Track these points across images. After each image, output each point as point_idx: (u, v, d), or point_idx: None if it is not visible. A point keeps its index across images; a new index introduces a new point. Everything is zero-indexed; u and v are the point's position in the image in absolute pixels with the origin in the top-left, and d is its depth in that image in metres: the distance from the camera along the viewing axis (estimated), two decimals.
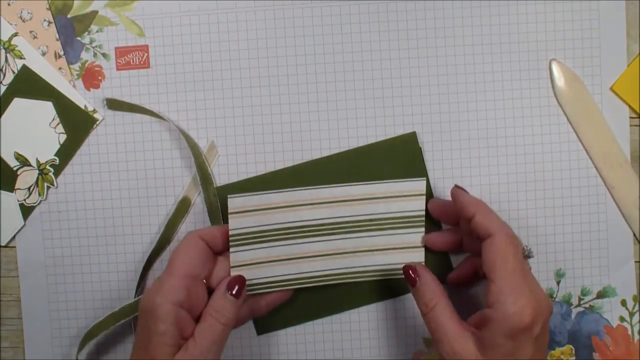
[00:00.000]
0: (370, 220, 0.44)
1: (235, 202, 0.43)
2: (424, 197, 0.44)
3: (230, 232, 0.43)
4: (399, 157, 0.47)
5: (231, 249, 0.43)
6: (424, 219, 0.44)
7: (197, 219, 0.48)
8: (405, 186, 0.43)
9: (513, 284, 0.38)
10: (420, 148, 0.47)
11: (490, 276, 0.39)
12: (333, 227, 0.44)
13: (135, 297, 0.47)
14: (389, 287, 0.47)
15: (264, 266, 0.44)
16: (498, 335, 0.37)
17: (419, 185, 0.43)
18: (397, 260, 0.44)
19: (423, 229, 0.44)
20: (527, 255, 0.42)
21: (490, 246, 0.39)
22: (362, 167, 0.47)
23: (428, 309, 0.40)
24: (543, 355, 0.39)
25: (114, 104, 0.47)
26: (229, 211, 0.43)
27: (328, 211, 0.43)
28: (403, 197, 0.43)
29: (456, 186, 0.44)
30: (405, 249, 0.44)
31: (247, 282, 0.43)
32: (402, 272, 0.43)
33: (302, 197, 0.43)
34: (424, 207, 0.44)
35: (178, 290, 0.40)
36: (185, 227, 0.48)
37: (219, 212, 0.47)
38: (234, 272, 0.43)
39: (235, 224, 0.43)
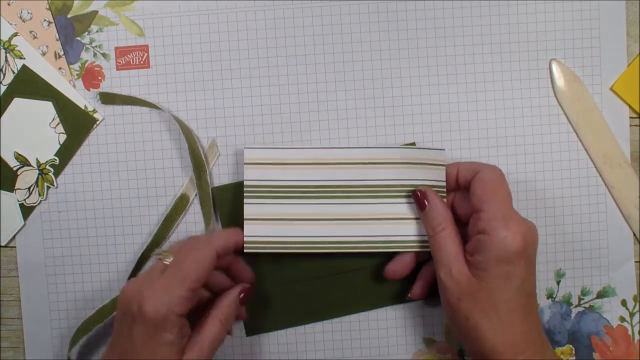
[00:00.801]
0: (389, 186, 0.44)
1: (251, 153, 0.42)
2: (445, 167, 0.44)
3: (245, 183, 0.43)
4: None
5: (245, 201, 0.43)
6: (445, 187, 0.44)
7: (196, 218, 0.48)
8: (426, 154, 0.44)
9: (503, 211, 0.40)
10: None
11: (482, 207, 0.41)
12: (350, 189, 0.44)
13: None
14: (384, 295, 0.47)
15: (277, 224, 0.44)
16: (491, 258, 0.39)
17: (440, 154, 0.44)
18: (414, 232, 0.44)
19: (445, 198, 0.44)
20: None
21: (479, 180, 0.42)
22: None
23: (436, 232, 0.42)
24: (534, 280, 0.41)
25: (107, 98, 0.47)
26: (245, 161, 0.42)
27: (345, 173, 0.44)
28: (424, 164, 0.44)
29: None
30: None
31: (258, 240, 0.44)
32: (418, 246, 0.44)
33: (319, 156, 0.43)
34: (444, 177, 0.44)
35: (186, 302, 0.39)
36: (184, 226, 0.48)
37: (210, 201, 0.47)
38: (248, 226, 0.44)
39: (251, 175, 0.43)
